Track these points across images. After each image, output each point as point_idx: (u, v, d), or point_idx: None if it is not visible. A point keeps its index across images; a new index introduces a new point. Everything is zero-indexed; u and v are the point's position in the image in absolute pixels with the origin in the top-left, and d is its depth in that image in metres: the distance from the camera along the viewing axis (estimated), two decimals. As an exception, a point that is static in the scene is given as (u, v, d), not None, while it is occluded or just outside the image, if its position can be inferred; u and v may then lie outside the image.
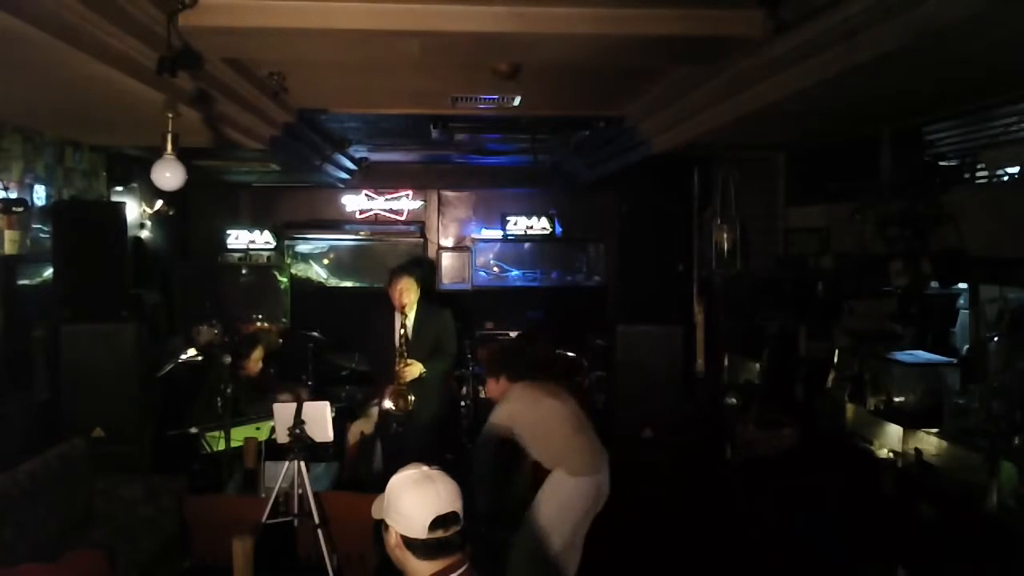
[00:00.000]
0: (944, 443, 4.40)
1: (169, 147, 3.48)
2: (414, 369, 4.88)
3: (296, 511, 4.12)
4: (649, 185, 8.27)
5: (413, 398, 4.87)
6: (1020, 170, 4.40)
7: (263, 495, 4.34)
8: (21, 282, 5.15)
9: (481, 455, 4.13)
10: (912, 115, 5.05)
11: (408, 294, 4.92)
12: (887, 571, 4.04)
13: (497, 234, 10.01)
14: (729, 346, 7.09)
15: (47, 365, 5.27)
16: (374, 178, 9.83)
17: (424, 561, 1.96)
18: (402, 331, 4.91)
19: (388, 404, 4.88)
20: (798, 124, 5.37)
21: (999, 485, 3.86)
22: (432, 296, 5.53)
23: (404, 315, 4.93)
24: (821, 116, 5.03)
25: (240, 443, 4.86)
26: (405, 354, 4.88)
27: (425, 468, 2.00)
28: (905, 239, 4.92)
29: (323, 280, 9.99)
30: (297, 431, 4.16)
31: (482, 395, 8.53)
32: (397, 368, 4.86)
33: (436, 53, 4.19)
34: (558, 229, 9.94)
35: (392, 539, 1.98)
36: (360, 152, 8.74)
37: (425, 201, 10.10)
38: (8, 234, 4.93)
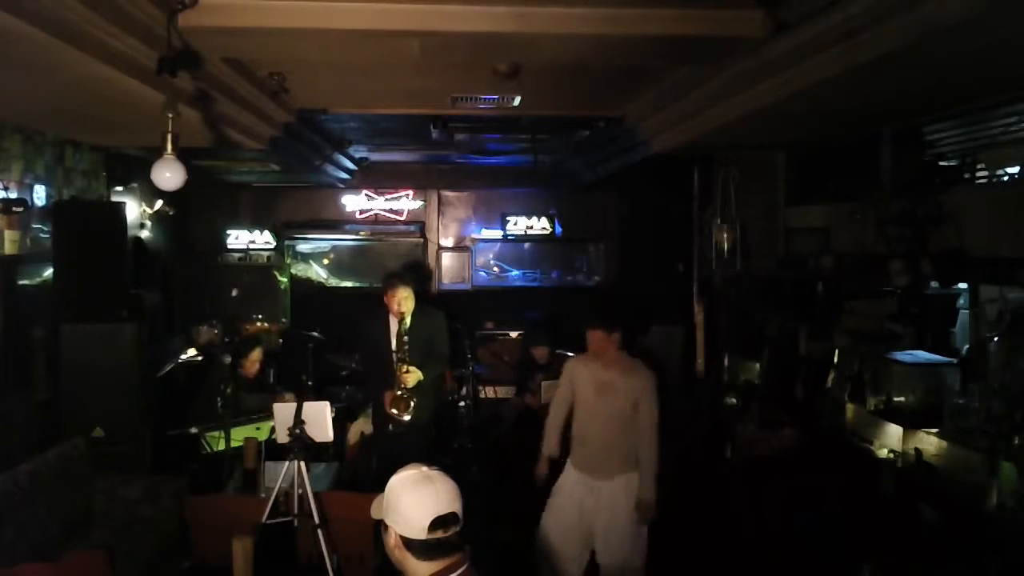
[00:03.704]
0: (944, 443, 4.40)
1: (169, 147, 3.48)
2: (415, 376, 4.85)
3: (296, 511, 4.12)
4: (649, 185, 8.28)
5: (414, 403, 4.85)
6: (1020, 170, 4.40)
7: (263, 495, 4.34)
8: (21, 282, 5.14)
9: None
10: (912, 115, 5.04)
11: (407, 302, 4.89)
12: (886, 570, 4.04)
13: (497, 234, 10.02)
14: (729, 346, 7.09)
15: (47, 365, 5.27)
16: (374, 178, 9.83)
17: (423, 561, 1.95)
18: (404, 338, 4.87)
19: (393, 411, 4.85)
20: (798, 124, 5.37)
21: (999, 485, 3.86)
22: (427, 298, 5.51)
23: (401, 320, 4.91)
24: (821, 116, 5.03)
25: (240, 443, 4.86)
26: (406, 359, 4.85)
27: (424, 468, 2.00)
28: (905, 239, 4.92)
29: (323, 280, 10.00)
30: (297, 431, 4.15)
31: (482, 395, 8.58)
32: (398, 375, 4.84)
33: (436, 53, 4.19)
34: (558, 229, 9.94)
35: (391, 539, 1.98)
36: (360, 152, 8.74)
37: (425, 201, 10.10)
38: (8, 234, 4.92)
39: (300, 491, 4.10)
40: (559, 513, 4.16)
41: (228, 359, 5.43)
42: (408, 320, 4.90)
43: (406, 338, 4.86)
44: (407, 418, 4.82)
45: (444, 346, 5.19)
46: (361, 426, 6.00)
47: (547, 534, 4.15)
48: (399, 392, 4.81)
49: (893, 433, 4.75)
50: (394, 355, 4.89)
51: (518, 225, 9.87)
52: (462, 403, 7.20)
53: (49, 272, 5.33)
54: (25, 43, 2.98)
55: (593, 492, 4.10)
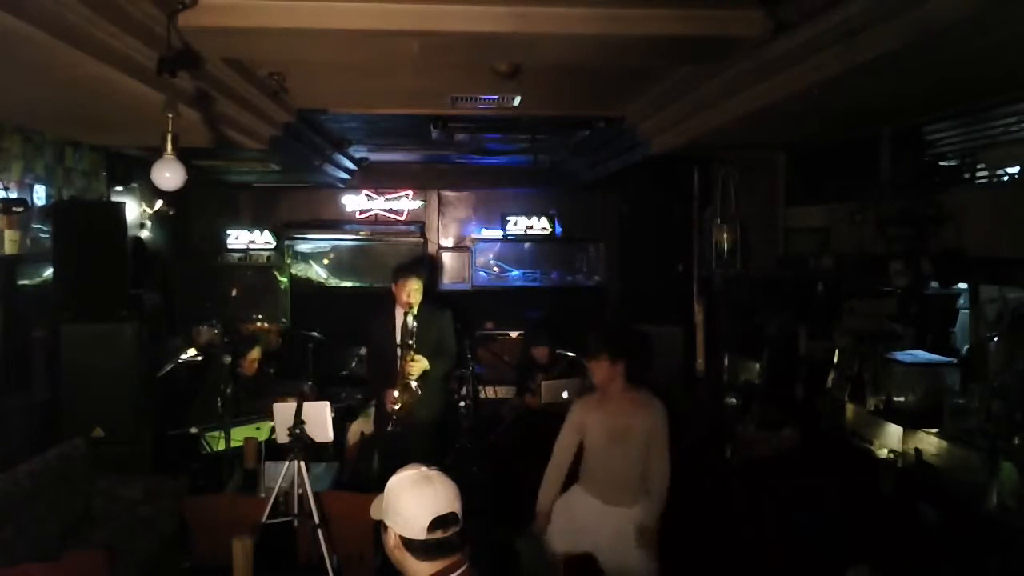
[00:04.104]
0: (944, 443, 4.40)
1: (169, 147, 3.48)
2: (420, 364, 4.85)
3: (296, 511, 4.11)
4: (649, 185, 8.27)
5: (417, 388, 4.84)
6: (1020, 170, 4.40)
7: (263, 495, 4.34)
8: (21, 282, 5.14)
9: None
10: (912, 115, 5.04)
11: (417, 294, 4.90)
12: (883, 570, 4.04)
13: (497, 234, 10.02)
14: (729, 346, 7.09)
15: (47, 365, 5.27)
16: (374, 178, 9.83)
17: (423, 562, 1.95)
18: (412, 326, 4.86)
19: (395, 395, 4.83)
20: (798, 124, 5.37)
21: (999, 485, 3.86)
22: (433, 296, 5.51)
23: (408, 311, 4.91)
24: (821, 116, 5.03)
25: (240, 443, 4.86)
26: (412, 346, 4.85)
27: (424, 468, 2.00)
28: (905, 239, 4.92)
29: (323, 280, 9.99)
30: (297, 431, 4.15)
31: (482, 395, 8.58)
32: (402, 363, 4.85)
33: (436, 53, 4.19)
34: (558, 229, 9.94)
35: (391, 540, 1.98)
36: (360, 152, 8.74)
37: (425, 201, 10.10)
38: (8, 234, 4.92)
39: (300, 491, 4.10)
40: (565, 533, 4.05)
41: (228, 359, 5.43)
42: (415, 311, 4.90)
43: (415, 324, 4.86)
44: (418, 391, 4.82)
45: (452, 345, 5.23)
46: (361, 426, 6.00)
47: (552, 549, 4.09)
48: (403, 380, 4.82)
49: (893, 433, 4.75)
50: (398, 348, 4.90)
51: (518, 225, 9.87)
52: (462, 403, 7.20)
53: (49, 272, 5.33)
54: (25, 43, 2.98)
55: (604, 516, 4.00)
